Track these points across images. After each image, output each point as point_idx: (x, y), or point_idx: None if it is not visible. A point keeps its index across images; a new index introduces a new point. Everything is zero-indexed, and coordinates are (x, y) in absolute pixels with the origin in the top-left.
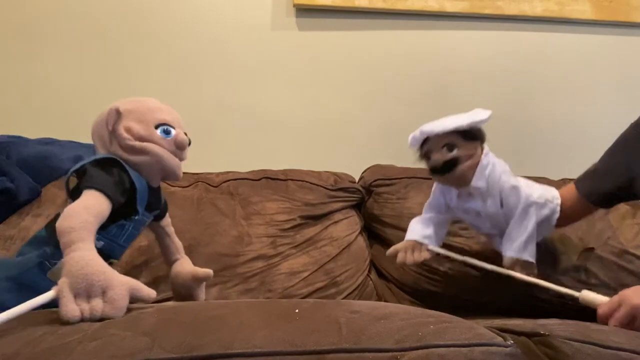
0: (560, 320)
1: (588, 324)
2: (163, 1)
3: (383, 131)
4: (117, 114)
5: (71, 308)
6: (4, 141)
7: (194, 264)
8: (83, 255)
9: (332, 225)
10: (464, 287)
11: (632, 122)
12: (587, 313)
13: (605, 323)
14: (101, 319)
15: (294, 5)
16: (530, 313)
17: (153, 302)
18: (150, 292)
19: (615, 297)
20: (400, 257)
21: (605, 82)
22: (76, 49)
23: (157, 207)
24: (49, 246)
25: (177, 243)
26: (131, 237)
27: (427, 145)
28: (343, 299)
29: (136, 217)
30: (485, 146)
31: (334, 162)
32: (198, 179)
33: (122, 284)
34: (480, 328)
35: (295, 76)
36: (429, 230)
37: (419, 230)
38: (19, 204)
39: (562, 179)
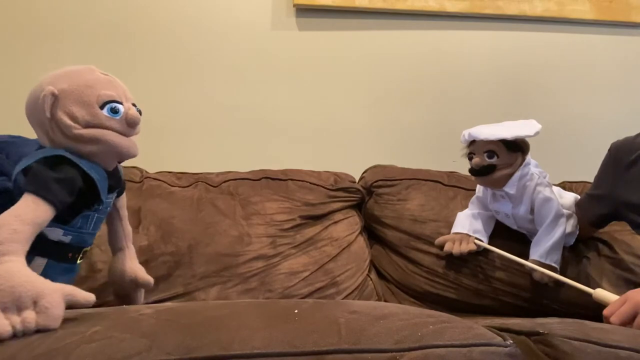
0: (559, 319)
1: (587, 322)
2: (163, 2)
3: (383, 131)
4: (53, 97)
5: (0, 324)
6: (4, 141)
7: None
8: (7, 267)
9: (332, 225)
10: (464, 288)
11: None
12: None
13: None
14: (37, 331)
15: (294, 5)
16: (529, 315)
17: (152, 302)
18: (88, 296)
19: (622, 297)
20: (447, 247)
21: (605, 82)
22: (76, 49)
23: (118, 186)
24: None
25: (128, 229)
26: (99, 221)
27: (472, 146)
28: (343, 299)
29: (100, 207)
30: (528, 157)
31: (334, 162)
32: (198, 179)
33: (54, 291)
34: (479, 328)
35: (295, 76)
36: (478, 225)
37: (468, 224)
38: None
39: (562, 182)
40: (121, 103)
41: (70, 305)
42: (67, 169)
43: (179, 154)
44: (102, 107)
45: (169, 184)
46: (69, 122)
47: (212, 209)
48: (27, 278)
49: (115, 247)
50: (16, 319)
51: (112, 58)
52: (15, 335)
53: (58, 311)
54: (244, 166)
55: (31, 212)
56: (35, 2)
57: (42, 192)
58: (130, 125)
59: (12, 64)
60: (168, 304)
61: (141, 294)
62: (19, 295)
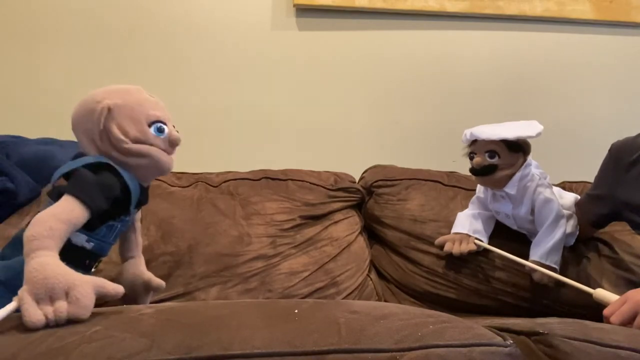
0: (559, 319)
1: (587, 322)
2: (163, 2)
3: (383, 131)
4: (109, 111)
5: (34, 313)
6: (4, 141)
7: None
8: (41, 261)
9: (332, 225)
10: (464, 288)
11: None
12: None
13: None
14: (69, 321)
15: (294, 5)
16: (529, 315)
17: (152, 302)
18: (117, 288)
19: (622, 297)
20: (447, 247)
21: (605, 82)
22: (76, 48)
23: (145, 202)
24: None
25: (139, 241)
26: (119, 233)
27: (474, 146)
28: (343, 299)
29: (127, 218)
30: (529, 158)
31: (334, 162)
32: (198, 179)
33: (85, 282)
34: (479, 328)
35: (295, 76)
36: (479, 225)
37: (468, 224)
38: (19, 204)
39: (562, 182)
40: (165, 124)
41: (99, 297)
42: (109, 176)
43: (179, 154)
44: (149, 126)
45: (168, 184)
46: (120, 136)
47: (212, 209)
48: (60, 270)
49: (126, 256)
50: (49, 309)
51: (113, 58)
52: (47, 325)
53: (88, 302)
54: (244, 166)
55: (68, 213)
56: (35, 3)
57: (81, 195)
58: (172, 145)
59: (11, 65)
60: (168, 303)
61: (150, 298)
62: (52, 286)
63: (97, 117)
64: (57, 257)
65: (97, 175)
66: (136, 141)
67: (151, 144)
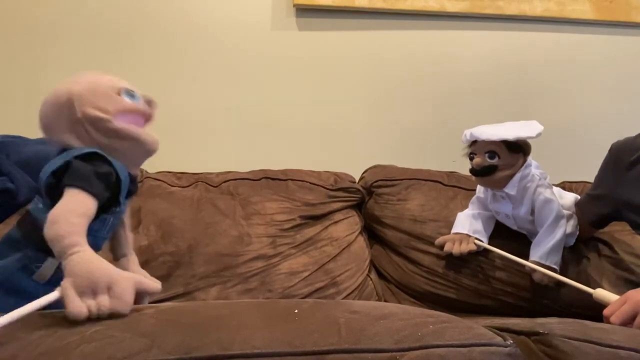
0: (559, 319)
1: (587, 322)
2: (163, 2)
3: (383, 131)
4: (79, 97)
5: (77, 305)
6: (4, 141)
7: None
8: (83, 255)
9: (332, 225)
10: (464, 288)
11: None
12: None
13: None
14: (109, 316)
15: (294, 5)
16: (529, 315)
17: (152, 302)
18: (156, 285)
19: (622, 297)
20: (447, 247)
21: (605, 82)
22: (76, 48)
23: (134, 192)
24: (29, 248)
25: (130, 237)
26: (113, 227)
27: (474, 146)
28: (343, 299)
29: (118, 210)
30: (529, 158)
31: (334, 162)
32: (198, 179)
33: (127, 279)
34: (479, 328)
35: (295, 76)
36: (479, 225)
37: (468, 224)
38: (19, 204)
39: (562, 182)
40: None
41: (138, 293)
42: (103, 164)
43: (179, 154)
44: (119, 95)
45: (169, 184)
46: (100, 114)
47: (212, 209)
48: (102, 265)
49: (118, 253)
50: (92, 303)
51: (113, 58)
52: (89, 318)
53: (129, 298)
54: (244, 166)
55: (82, 206)
56: (35, 3)
57: (86, 186)
58: (151, 105)
59: (11, 65)
60: (168, 303)
61: (147, 299)
62: (96, 280)
63: (70, 108)
64: (93, 251)
65: (91, 164)
66: (117, 113)
67: (132, 110)
